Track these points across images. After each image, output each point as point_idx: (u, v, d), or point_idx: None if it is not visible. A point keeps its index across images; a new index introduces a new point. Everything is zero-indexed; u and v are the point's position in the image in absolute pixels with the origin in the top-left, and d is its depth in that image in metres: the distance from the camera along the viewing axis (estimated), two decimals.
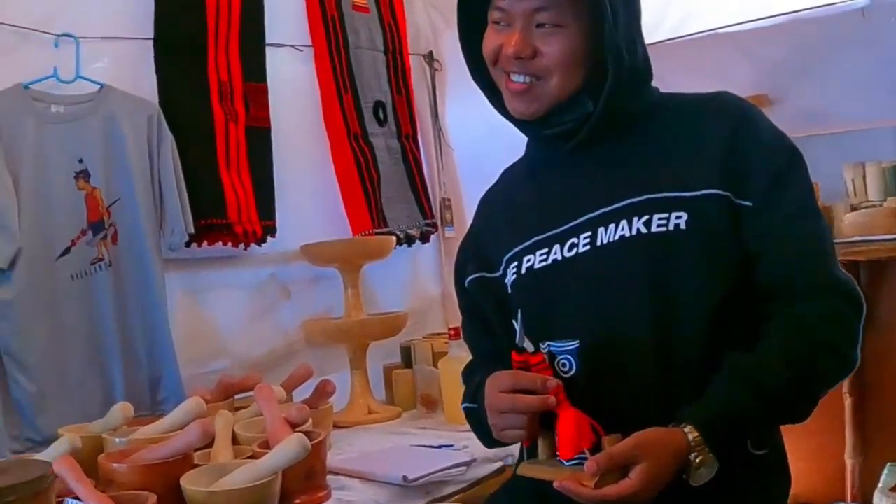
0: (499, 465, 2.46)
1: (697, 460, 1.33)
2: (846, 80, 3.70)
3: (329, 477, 2.15)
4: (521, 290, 1.61)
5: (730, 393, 1.37)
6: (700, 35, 3.80)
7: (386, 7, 3.62)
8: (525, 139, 1.76)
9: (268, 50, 3.14)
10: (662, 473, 1.32)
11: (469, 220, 3.80)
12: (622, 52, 1.49)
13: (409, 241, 3.53)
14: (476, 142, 3.86)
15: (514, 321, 1.47)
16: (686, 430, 1.35)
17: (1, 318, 2.42)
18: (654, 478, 1.31)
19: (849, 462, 3.11)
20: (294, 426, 2.16)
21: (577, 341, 1.50)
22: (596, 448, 1.37)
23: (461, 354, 2.71)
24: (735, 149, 1.47)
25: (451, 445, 2.52)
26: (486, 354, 1.79)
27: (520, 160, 1.81)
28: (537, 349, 1.48)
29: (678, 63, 4.02)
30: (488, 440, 1.67)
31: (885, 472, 2.72)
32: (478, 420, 1.64)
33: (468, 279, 1.75)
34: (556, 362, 1.52)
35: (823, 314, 1.43)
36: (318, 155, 3.37)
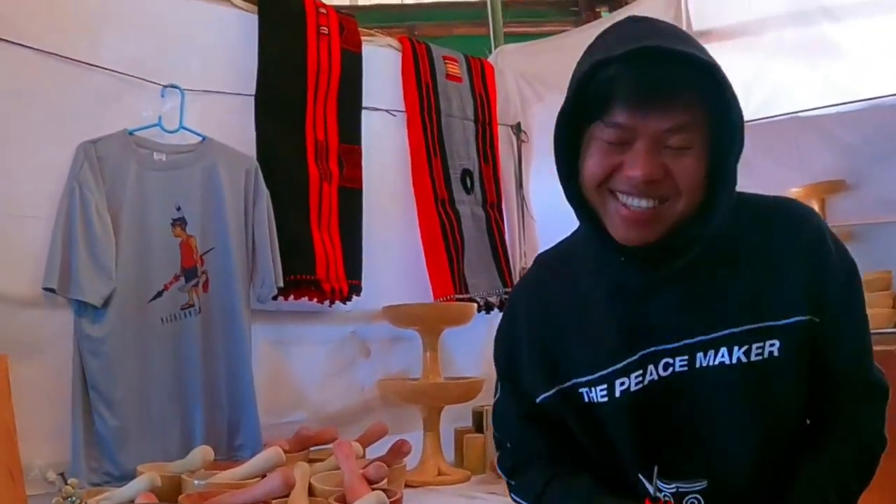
0: None
1: None
2: None
3: None
4: (616, 411, 1.56)
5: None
6: (782, 117, 3.80)
7: (478, 77, 3.72)
8: None
9: (363, 113, 3.24)
10: None
11: None
12: (735, 177, 1.46)
13: (489, 308, 3.56)
14: (558, 214, 3.87)
15: (641, 477, 1.54)
16: None
17: (91, 354, 2.50)
18: None
19: None
20: (371, 483, 2.19)
21: (705, 482, 1.53)
22: None
23: None
24: (813, 273, 1.50)
25: None
26: (534, 450, 1.73)
27: (568, 258, 1.72)
28: (662, 492, 1.54)
29: (760, 144, 4.03)
30: None
31: None
32: None
33: (543, 396, 1.65)
34: (685, 500, 1.55)
35: (873, 414, 1.57)
36: (406, 218, 3.44)
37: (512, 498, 1.76)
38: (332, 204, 3.07)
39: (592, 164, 1.46)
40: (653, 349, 1.53)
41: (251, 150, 2.89)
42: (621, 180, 1.42)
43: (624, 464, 1.58)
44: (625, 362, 1.55)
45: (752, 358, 1.48)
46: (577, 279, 1.66)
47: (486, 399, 3.21)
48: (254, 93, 2.93)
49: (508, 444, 1.79)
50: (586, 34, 4.15)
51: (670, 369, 1.52)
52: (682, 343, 1.51)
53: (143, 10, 2.74)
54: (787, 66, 3.79)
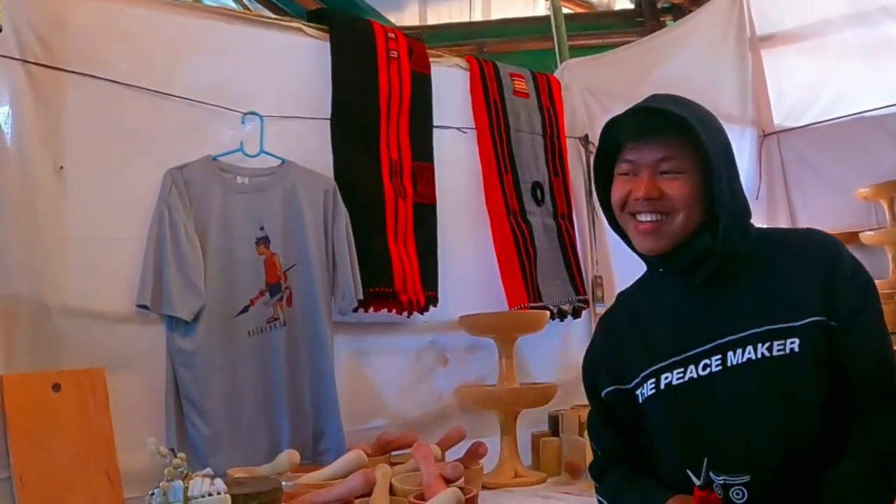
0: None
1: None
2: None
3: None
4: (661, 403, 1.85)
5: None
6: (847, 118, 3.83)
7: (545, 93, 3.82)
8: None
9: (434, 131, 3.37)
10: None
11: None
12: (725, 195, 1.77)
13: (562, 315, 3.65)
14: None
15: (689, 472, 1.73)
16: None
17: (183, 367, 2.66)
18: None
19: None
20: (449, 482, 2.29)
21: (748, 476, 1.76)
22: None
23: None
24: (828, 281, 1.75)
25: None
26: (616, 454, 2.02)
27: (636, 289, 2.06)
28: (707, 481, 1.72)
29: (825, 146, 4.05)
30: None
31: None
32: None
33: (605, 391, 1.97)
34: (730, 492, 1.77)
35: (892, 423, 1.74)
36: (479, 231, 3.55)
37: (597, 500, 2.04)
38: (408, 219, 3.19)
39: (614, 193, 1.87)
40: (693, 351, 1.82)
41: (328, 170, 3.03)
42: (633, 202, 1.82)
43: (677, 462, 1.83)
44: (669, 361, 1.85)
45: (775, 353, 1.74)
46: (640, 302, 2.02)
47: (561, 403, 3.32)
48: (329, 116, 3.08)
49: (597, 451, 2.08)
50: (651, 44, 4.27)
51: (708, 370, 1.80)
52: (715, 343, 1.79)
53: (220, 40, 2.90)
54: (851, 68, 3.82)
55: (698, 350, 1.81)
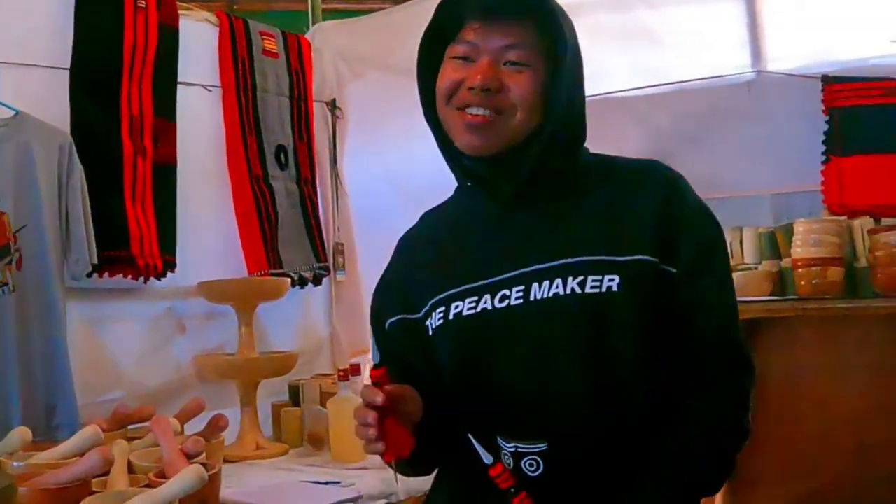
0: (383, 502, 2.55)
1: None
2: (731, 149, 3.89)
3: None
4: (448, 335, 1.57)
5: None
6: (594, 98, 4.00)
7: (294, 54, 3.73)
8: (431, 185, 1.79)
9: (179, 88, 3.22)
10: None
11: (360, 265, 3.92)
12: (563, 99, 1.53)
13: (303, 283, 3.62)
14: (371, 190, 3.98)
15: (471, 438, 1.47)
16: None
17: None
18: None
19: None
20: (190, 458, 2.21)
21: (545, 444, 1.47)
22: None
23: (349, 395, 2.82)
24: (665, 218, 1.51)
25: (338, 482, 2.60)
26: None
27: (444, 205, 1.77)
28: (498, 456, 1.48)
29: None
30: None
31: None
32: None
33: (389, 321, 1.67)
34: (523, 462, 1.48)
35: (735, 396, 1.51)
36: (220, 194, 3.44)
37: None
38: (147, 180, 3.04)
39: (442, 79, 1.57)
40: (493, 279, 1.54)
41: (66, 125, 2.83)
42: (465, 92, 1.52)
43: (467, 417, 1.54)
44: (463, 287, 1.56)
45: (588, 289, 1.46)
46: (443, 221, 1.75)
47: (302, 373, 3.30)
48: (69, 67, 2.88)
49: None
50: (406, 12, 4.27)
51: (506, 301, 1.51)
52: (518, 272, 1.51)
53: None
54: (602, 50, 3.96)
55: (498, 278, 1.52)
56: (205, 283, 3.14)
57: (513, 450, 1.49)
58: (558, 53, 1.52)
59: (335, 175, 3.96)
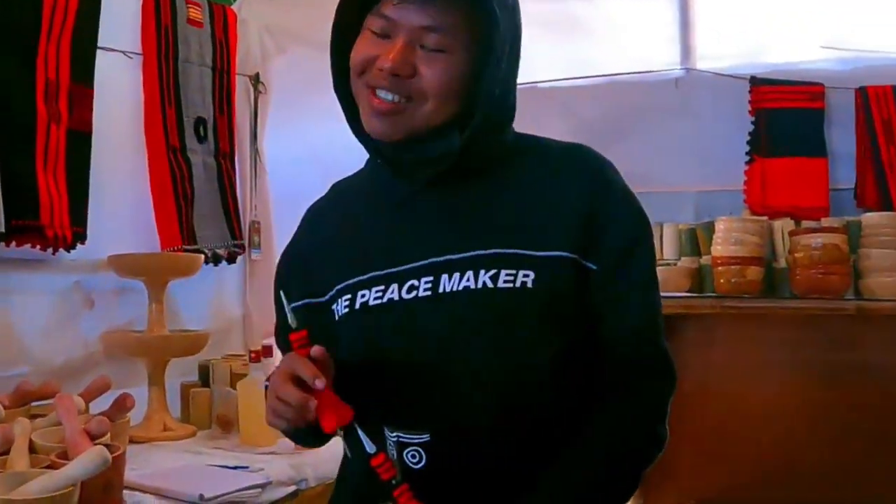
0: (293, 488, 2.54)
1: None
2: (656, 144, 3.95)
3: (125, 492, 2.16)
4: (355, 323, 1.50)
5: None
6: (521, 87, 4.00)
7: (219, 25, 3.62)
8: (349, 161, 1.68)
9: (98, 53, 3.08)
10: None
11: (276, 244, 3.85)
12: (495, 91, 1.44)
13: (216, 260, 3.54)
14: (291, 168, 3.92)
15: (357, 427, 1.39)
16: None
17: None
18: None
19: None
20: (93, 438, 2.14)
21: (427, 434, 1.42)
22: None
23: (260, 377, 2.77)
24: (589, 211, 1.45)
25: (247, 467, 2.57)
26: None
27: (356, 177, 1.69)
28: (383, 446, 1.44)
29: None
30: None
31: None
32: None
33: (293, 305, 1.49)
34: (405, 453, 1.44)
35: (651, 405, 1.47)
36: (136, 165, 3.33)
37: None
38: (60, 147, 2.91)
39: (356, 52, 1.47)
40: (402, 268, 1.47)
41: None
42: (375, 72, 1.43)
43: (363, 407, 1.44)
44: (370, 275, 1.49)
45: (500, 284, 1.40)
46: (354, 198, 1.65)
47: (213, 353, 3.24)
48: None
49: None
50: None
51: (414, 293, 1.44)
52: (429, 262, 1.45)
53: None
54: (531, 38, 3.96)
55: (408, 267, 1.45)
56: (115, 256, 3.04)
57: (395, 440, 1.45)
58: (492, 41, 1.41)
59: (255, 151, 3.88)
